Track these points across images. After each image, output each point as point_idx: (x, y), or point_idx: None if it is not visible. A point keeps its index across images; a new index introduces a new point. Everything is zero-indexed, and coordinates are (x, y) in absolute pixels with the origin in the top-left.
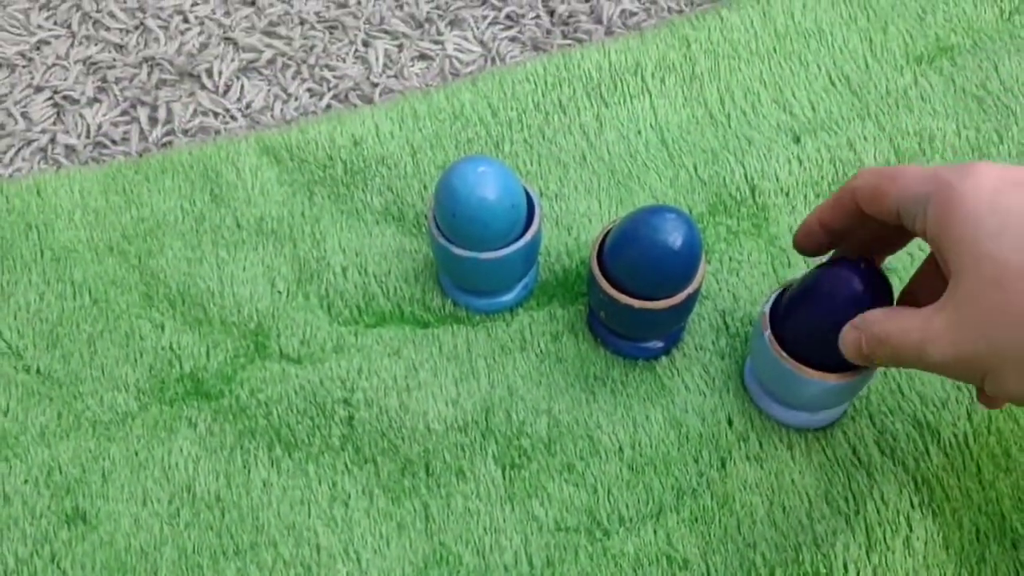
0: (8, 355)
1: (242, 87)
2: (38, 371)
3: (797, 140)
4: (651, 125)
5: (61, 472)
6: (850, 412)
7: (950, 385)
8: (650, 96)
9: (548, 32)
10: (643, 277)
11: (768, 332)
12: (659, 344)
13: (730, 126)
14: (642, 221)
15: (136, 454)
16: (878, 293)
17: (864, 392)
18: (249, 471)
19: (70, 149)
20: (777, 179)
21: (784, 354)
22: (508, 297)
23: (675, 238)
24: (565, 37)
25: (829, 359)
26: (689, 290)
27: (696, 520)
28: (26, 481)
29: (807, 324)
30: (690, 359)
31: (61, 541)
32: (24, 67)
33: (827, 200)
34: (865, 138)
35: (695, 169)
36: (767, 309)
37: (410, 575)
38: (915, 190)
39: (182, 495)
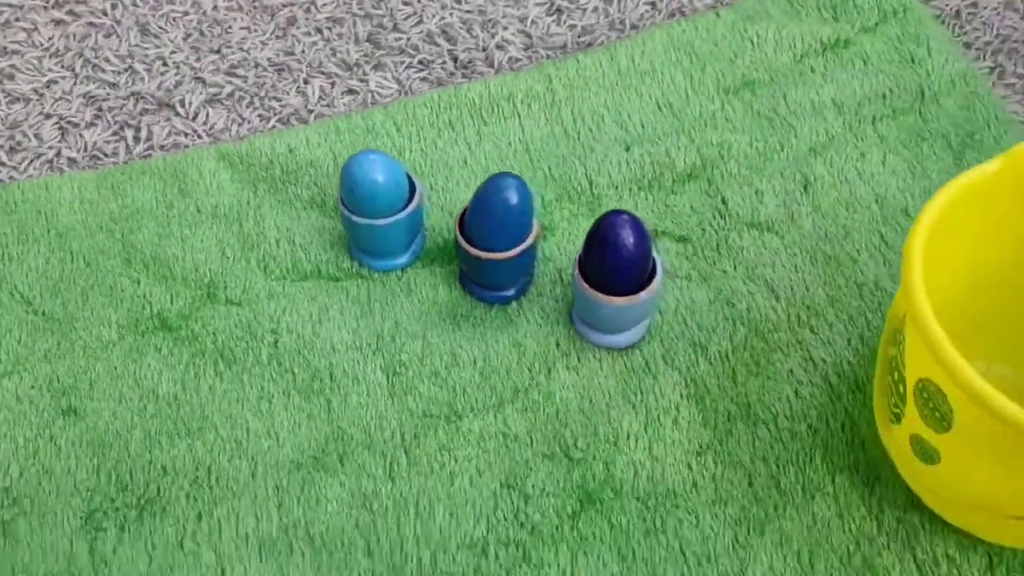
0: (22, 302)
1: (208, 114)
2: (44, 313)
3: (627, 149)
4: (519, 139)
5: (59, 382)
6: (647, 338)
7: (719, 316)
8: (519, 117)
9: (451, 74)
10: (490, 220)
11: (576, 270)
12: (510, 292)
13: (579, 139)
14: (489, 181)
15: (115, 369)
16: (641, 236)
17: (659, 321)
18: (199, 379)
19: (71, 160)
20: (610, 176)
21: (585, 284)
22: (401, 260)
23: (511, 192)
24: (464, 77)
25: (618, 287)
26: (524, 245)
27: (526, 409)
28: (33, 387)
29: (596, 260)
30: (533, 302)
31: (57, 427)
32: (36, 100)
33: None
34: (679, 148)
35: (549, 170)
36: (579, 256)
37: (315, 447)
38: None
39: (148, 396)
